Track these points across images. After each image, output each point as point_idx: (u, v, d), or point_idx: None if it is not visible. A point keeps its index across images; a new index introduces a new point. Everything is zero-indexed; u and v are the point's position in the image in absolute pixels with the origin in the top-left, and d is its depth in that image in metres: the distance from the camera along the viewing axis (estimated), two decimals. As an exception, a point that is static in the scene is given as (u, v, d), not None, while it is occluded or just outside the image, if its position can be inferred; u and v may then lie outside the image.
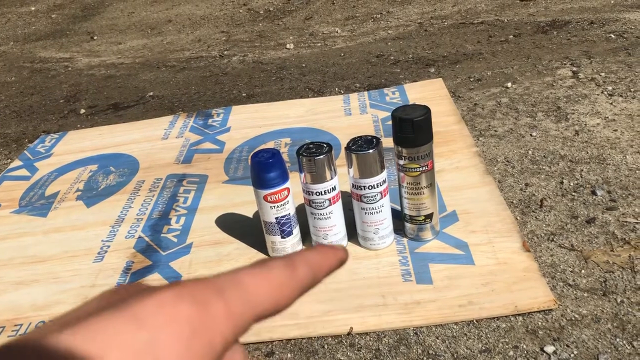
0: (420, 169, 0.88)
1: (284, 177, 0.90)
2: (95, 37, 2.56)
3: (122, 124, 1.58)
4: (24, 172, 1.38)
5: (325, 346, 0.80)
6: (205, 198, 1.16)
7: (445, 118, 1.31)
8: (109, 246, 1.05)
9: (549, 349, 0.74)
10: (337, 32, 2.16)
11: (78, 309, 0.18)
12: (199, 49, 2.19)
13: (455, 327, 0.80)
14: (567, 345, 0.74)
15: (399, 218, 0.96)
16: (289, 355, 0.80)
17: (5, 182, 1.35)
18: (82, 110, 1.75)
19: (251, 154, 0.92)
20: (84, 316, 0.17)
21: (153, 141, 1.43)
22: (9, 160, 1.48)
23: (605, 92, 1.36)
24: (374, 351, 0.78)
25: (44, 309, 0.92)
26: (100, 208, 1.18)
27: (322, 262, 0.22)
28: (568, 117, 1.28)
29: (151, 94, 1.80)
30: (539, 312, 0.80)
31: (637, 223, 0.94)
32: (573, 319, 0.78)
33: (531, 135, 1.23)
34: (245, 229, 1.03)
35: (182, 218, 1.10)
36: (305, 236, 0.97)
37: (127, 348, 0.16)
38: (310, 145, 0.90)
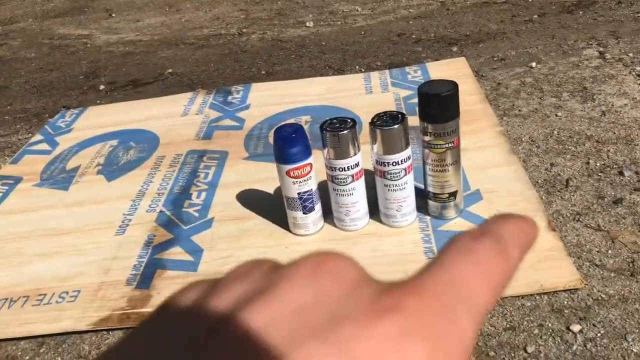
0: (446, 145, 0.87)
1: (307, 153, 0.90)
2: (113, 15, 2.55)
3: (141, 100, 1.58)
4: (44, 146, 1.39)
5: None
6: (226, 174, 1.15)
7: (469, 97, 1.29)
8: (130, 220, 1.05)
9: (575, 327, 0.73)
10: (357, 10, 2.14)
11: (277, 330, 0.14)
12: (217, 27, 2.18)
13: (479, 305, 0.79)
14: (594, 325, 0.73)
15: (421, 196, 0.95)
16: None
17: (26, 156, 1.36)
18: (102, 87, 1.75)
19: (274, 129, 0.91)
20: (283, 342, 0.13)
21: (173, 117, 1.43)
22: (30, 134, 1.49)
23: (634, 73, 1.33)
24: (396, 327, 0.77)
25: (66, 280, 0.93)
26: (121, 182, 1.18)
27: (525, 240, 0.17)
28: (594, 97, 1.25)
29: (170, 71, 1.80)
30: (564, 291, 0.79)
31: (665, 204, 0.92)
32: (600, 298, 0.77)
33: (556, 115, 1.21)
34: (266, 205, 1.03)
35: (202, 193, 1.10)
36: (327, 213, 0.96)
37: None
38: (334, 121, 0.89)
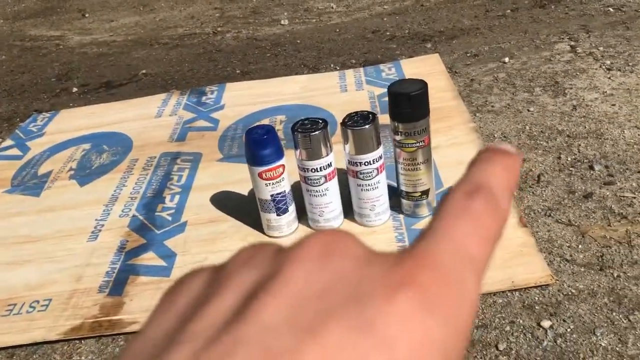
0: (417, 144, 0.87)
1: (279, 154, 0.89)
2: (86, 15, 2.52)
3: (115, 102, 1.56)
4: (15, 151, 1.37)
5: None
6: (200, 176, 1.15)
7: (442, 94, 1.30)
8: (102, 225, 1.04)
9: (546, 323, 0.74)
10: (332, 7, 2.13)
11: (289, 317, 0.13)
12: (192, 26, 2.16)
13: (451, 303, 0.79)
14: (564, 320, 0.74)
15: (395, 194, 0.95)
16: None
17: (-3, 162, 1.33)
18: (75, 89, 1.73)
19: (246, 131, 0.90)
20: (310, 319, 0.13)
21: (146, 119, 1.41)
22: (0, 139, 1.46)
23: (604, 67, 1.34)
24: (370, 328, 0.78)
25: (37, 289, 0.91)
26: (94, 187, 1.17)
27: (513, 180, 0.17)
28: (566, 92, 1.27)
29: (144, 71, 1.78)
30: (535, 287, 0.79)
31: (634, 197, 0.93)
32: (570, 293, 0.78)
33: (528, 110, 1.22)
34: (240, 207, 1.03)
35: (176, 196, 1.09)
36: (302, 214, 0.96)
37: None
38: (306, 122, 0.88)
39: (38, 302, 0.88)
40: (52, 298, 0.89)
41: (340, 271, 0.14)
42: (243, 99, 1.44)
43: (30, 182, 1.22)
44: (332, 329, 0.13)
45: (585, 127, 1.13)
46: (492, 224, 0.16)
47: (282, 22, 2.04)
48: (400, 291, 0.13)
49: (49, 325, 0.84)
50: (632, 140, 1.07)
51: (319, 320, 0.13)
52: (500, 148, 0.18)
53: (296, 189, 0.95)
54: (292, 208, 0.94)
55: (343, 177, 0.94)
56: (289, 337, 0.13)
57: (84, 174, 1.22)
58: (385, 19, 1.92)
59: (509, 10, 1.81)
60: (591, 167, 1.01)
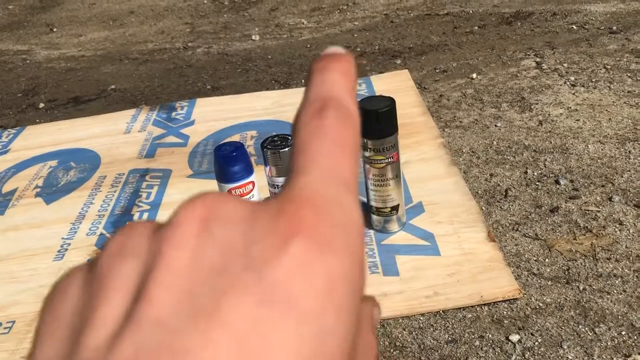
0: (386, 160, 0.88)
1: (249, 171, 0.89)
2: (54, 29, 2.49)
3: (82, 118, 1.54)
4: (-21, 168, 1.34)
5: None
6: (169, 193, 1.13)
7: (411, 109, 1.31)
8: (69, 244, 1.02)
9: (514, 337, 0.75)
10: (303, 23, 2.14)
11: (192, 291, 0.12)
12: (162, 41, 2.15)
13: (421, 318, 0.80)
14: (532, 334, 0.75)
15: (365, 210, 0.96)
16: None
17: (-41, 180, 1.30)
18: (41, 105, 1.70)
19: (215, 147, 0.90)
20: (205, 298, 0.12)
21: (115, 135, 1.40)
22: (-36, 156, 1.43)
23: (568, 83, 1.38)
24: (341, 345, 0.77)
25: (0, 310, 0.89)
26: (60, 205, 1.15)
27: (352, 79, 0.17)
28: (532, 107, 1.29)
29: (113, 87, 1.76)
30: (504, 301, 0.80)
31: (598, 211, 0.95)
32: (537, 307, 0.79)
33: (496, 125, 1.24)
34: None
35: (145, 214, 1.08)
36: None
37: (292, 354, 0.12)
38: (275, 138, 0.88)
39: (1, 324, 0.86)
40: (15, 320, 0.87)
41: (225, 241, 0.13)
42: (214, 115, 1.44)
43: (-6, 200, 1.19)
44: (234, 306, 0.12)
45: (550, 142, 1.15)
46: (348, 134, 0.16)
47: (253, 37, 2.05)
48: (291, 243, 0.13)
49: (12, 349, 0.81)
50: (595, 155, 1.10)
51: (218, 300, 0.12)
52: (331, 53, 0.18)
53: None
54: (262, 225, 0.93)
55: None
56: (192, 328, 0.12)
57: (51, 191, 1.20)
58: (355, 35, 1.94)
59: (476, 27, 1.84)
60: (557, 182, 1.03)
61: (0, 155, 1.38)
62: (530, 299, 0.80)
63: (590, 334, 0.74)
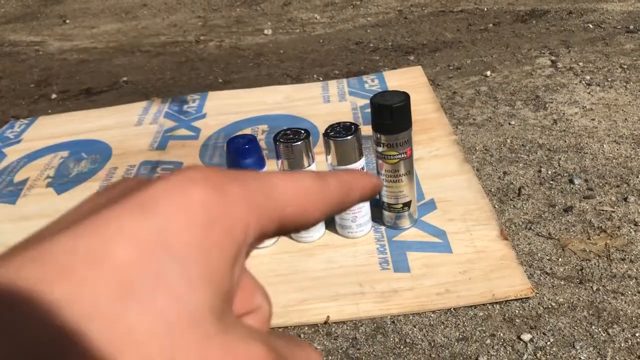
0: (399, 156, 0.87)
1: (261, 164, 0.89)
2: (67, 21, 2.49)
3: (94, 109, 1.54)
4: (-9, 158, 1.34)
5: (302, 335, 0.79)
6: (180, 185, 1.13)
7: (424, 106, 1.30)
8: (79, 234, 1.02)
9: (526, 337, 0.74)
10: (316, 18, 2.14)
11: (76, 210, 0.16)
12: (174, 34, 2.15)
13: (432, 315, 0.79)
14: (544, 334, 0.74)
15: (377, 206, 0.95)
16: (264, 345, 0.78)
17: (-28, 168, 1.31)
18: (54, 95, 1.70)
19: (227, 140, 0.90)
20: (82, 215, 0.15)
21: (126, 127, 1.40)
22: (-23, 145, 1.43)
23: (583, 82, 1.36)
24: (350, 340, 0.77)
25: (11, 299, 0.89)
26: (72, 195, 1.15)
27: (354, 182, 0.20)
28: (546, 106, 1.28)
29: (125, 79, 1.76)
30: (516, 300, 0.79)
31: (613, 211, 0.94)
32: (550, 307, 0.78)
33: (510, 123, 1.23)
34: (221, 217, 1.01)
35: (155, 206, 1.07)
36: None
37: (134, 239, 0.14)
38: (288, 132, 0.88)
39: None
40: (25, 309, 0.87)
41: (121, 190, 0.16)
42: (225, 108, 1.44)
43: (5, 190, 1.20)
44: (99, 211, 0.15)
45: (565, 141, 1.14)
46: (309, 180, 0.18)
47: (266, 31, 2.04)
48: (169, 176, 0.16)
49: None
50: (610, 155, 1.08)
51: (88, 211, 0.16)
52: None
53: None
54: (273, 218, 0.93)
55: (325, 188, 0.93)
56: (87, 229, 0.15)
57: (62, 181, 1.20)
58: (368, 30, 1.93)
59: (491, 25, 1.82)
60: (571, 181, 1.02)
61: (13, 145, 1.39)
62: (543, 298, 0.79)
63: (604, 334, 0.73)
